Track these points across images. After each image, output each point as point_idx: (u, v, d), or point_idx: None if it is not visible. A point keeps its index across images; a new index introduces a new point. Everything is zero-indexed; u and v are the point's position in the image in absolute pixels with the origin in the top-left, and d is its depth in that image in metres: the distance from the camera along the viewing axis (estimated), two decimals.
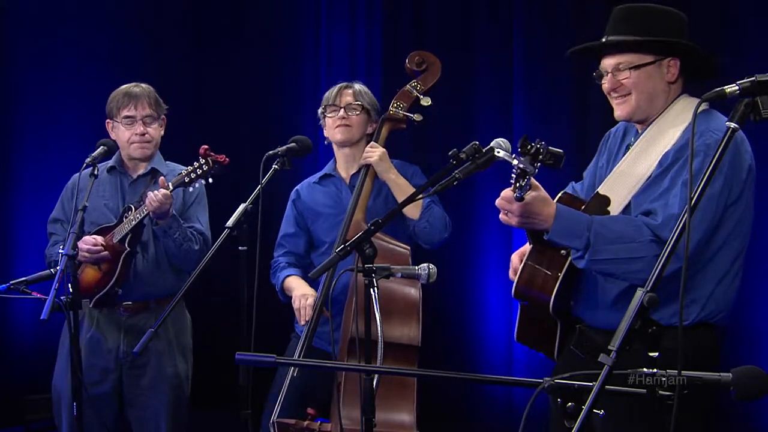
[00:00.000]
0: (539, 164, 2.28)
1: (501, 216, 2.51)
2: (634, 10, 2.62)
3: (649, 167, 2.54)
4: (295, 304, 3.37)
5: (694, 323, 2.50)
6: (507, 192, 2.43)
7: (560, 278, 2.56)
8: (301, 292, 3.38)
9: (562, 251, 2.57)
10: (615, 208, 2.58)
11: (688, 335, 2.46)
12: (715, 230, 2.48)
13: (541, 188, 2.45)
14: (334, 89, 3.57)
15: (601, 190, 2.63)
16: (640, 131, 2.66)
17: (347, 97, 3.53)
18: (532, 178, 2.33)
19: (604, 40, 2.62)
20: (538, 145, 2.27)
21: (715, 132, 2.45)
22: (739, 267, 2.58)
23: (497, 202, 2.48)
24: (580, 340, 2.65)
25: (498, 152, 2.37)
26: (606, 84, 2.63)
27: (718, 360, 2.56)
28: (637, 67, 2.57)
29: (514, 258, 2.80)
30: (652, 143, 2.58)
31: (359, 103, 3.52)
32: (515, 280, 2.65)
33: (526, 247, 2.75)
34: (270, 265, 3.65)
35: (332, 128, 3.54)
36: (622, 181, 2.60)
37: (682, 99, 2.61)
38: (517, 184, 2.31)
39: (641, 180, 2.55)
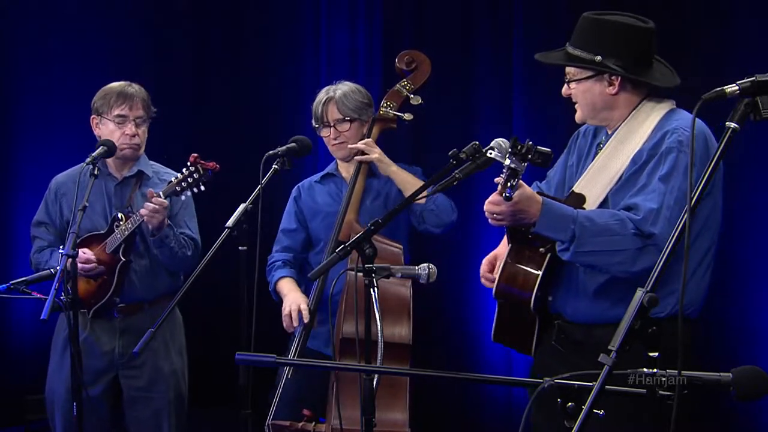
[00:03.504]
0: (527, 164, 2.35)
1: (491, 221, 2.57)
2: (590, 23, 2.67)
3: (622, 165, 2.61)
4: (285, 311, 3.36)
5: (669, 315, 2.53)
6: (494, 196, 2.50)
7: (540, 275, 2.62)
8: (291, 299, 3.37)
9: (541, 249, 2.63)
10: (591, 205, 2.63)
11: (667, 326, 2.47)
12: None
13: (525, 185, 2.50)
14: (319, 105, 3.54)
15: (576, 188, 2.69)
16: (609, 132, 2.73)
17: (333, 114, 3.51)
18: None
19: (566, 47, 2.71)
20: (528, 145, 2.33)
21: (686, 129, 2.54)
22: (711, 259, 2.64)
23: (486, 207, 2.54)
24: (560, 335, 2.70)
25: (490, 153, 2.42)
26: (563, 89, 2.76)
27: (691, 353, 2.56)
28: (577, 81, 2.69)
29: (484, 265, 2.89)
30: (623, 142, 2.65)
31: (347, 117, 3.50)
32: (496, 280, 2.71)
33: (497, 252, 2.87)
34: (266, 260, 3.65)
35: (329, 145, 3.56)
36: (597, 179, 2.66)
37: (647, 103, 2.68)
38: (508, 184, 2.36)
39: (615, 177, 2.62)
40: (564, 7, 4.43)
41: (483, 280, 2.87)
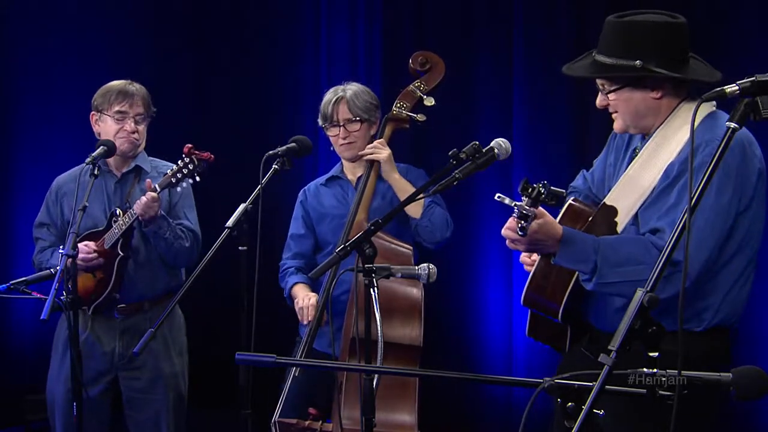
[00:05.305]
0: (540, 204, 2.32)
1: (508, 244, 2.50)
2: (617, 27, 2.53)
3: (654, 177, 2.51)
4: (298, 305, 3.39)
5: (708, 328, 2.49)
6: (512, 223, 2.42)
7: (570, 287, 2.55)
8: (303, 295, 3.41)
9: None
10: (622, 219, 2.56)
11: (702, 339, 2.46)
12: (728, 239, 2.46)
13: (546, 214, 2.43)
14: (329, 103, 3.51)
15: (608, 200, 2.61)
16: (645, 137, 2.63)
17: (344, 114, 3.48)
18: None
19: (593, 55, 2.59)
20: (540, 188, 2.28)
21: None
22: (752, 270, 2.56)
23: (503, 232, 2.48)
24: (591, 343, 2.64)
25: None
26: (597, 100, 2.63)
27: (730, 359, 2.55)
28: (616, 90, 2.55)
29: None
30: (657, 151, 2.54)
31: (357, 118, 3.49)
32: (524, 289, 2.64)
33: None
34: (275, 266, 3.65)
35: (336, 145, 3.54)
36: (628, 190, 2.57)
37: (685, 105, 2.55)
38: (519, 225, 2.33)
39: (647, 190, 2.52)
40: (564, 7, 4.43)
41: (523, 260, 2.75)
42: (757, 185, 2.48)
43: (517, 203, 2.29)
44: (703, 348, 2.40)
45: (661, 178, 2.49)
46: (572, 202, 2.68)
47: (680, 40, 2.53)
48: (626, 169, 2.63)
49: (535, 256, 2.67)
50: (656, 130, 2.57)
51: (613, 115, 2.62)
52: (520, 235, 2.35)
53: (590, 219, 2.59)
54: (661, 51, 2.47)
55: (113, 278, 3.53)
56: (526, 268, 2.73)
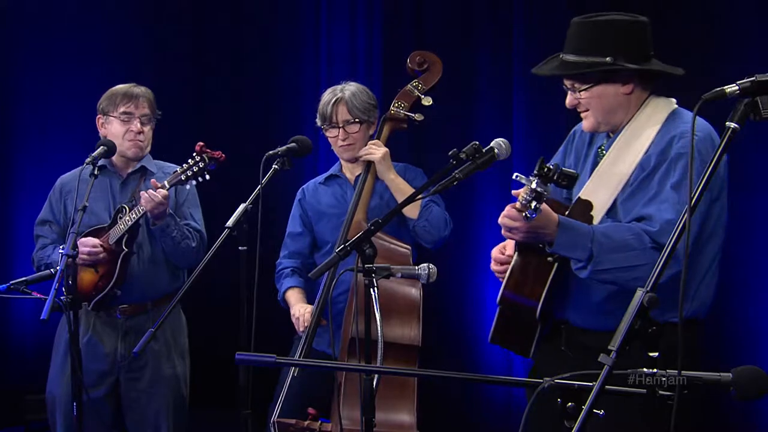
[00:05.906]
0: (552, 184, 2.34)
1: (504, 232, 2.52)
2: (584, 27, 2.61)
3: (628, 169, 2.56)
4: (294, 315, 3.41)
5: (684, 320, 2.51)
6: (511, 210, 2.45)
7: (548, 284, 2.57)
8: (299, 307, 3.42)
9: (549, 258, 2.57)
10: (598, 212, 2.59)
11: (674, 332, 2.47)
12: (702, 226, 2.53)
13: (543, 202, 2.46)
14: (328, 104, 3.48)
15: (583, 194, 2.64)
16: (612, 135, 2.67)
17: (343, 115, 3.47)
18: None
19: (560, 56, 2.65)
20: (554, 168, 2.32)
21: (695, 132, 2.47)
22: (719, 260, 2.62)
23: (501, 221, 2.50)
24: (569, 340, 2.67)
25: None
26: (567, 100, 2.68)
27: (699, 356, 2.58)
28: (587, 88, 2.60)
29: (495, 252, 2.80)
30: (628, 145, 2.60)
31: (356, 120, 3.48)
32: (501, 288, 2.65)
33: (506, 243, 2.78)
34: (275, 266, 3.65)
35: (335, 146, 3.53)
36: (603, 184, 2.61)
37: (651, 101, 2.63)
38: (531, 206, 2.33)
39: (621, 182, 2.57)
40: (564, 8, 4.43)
41: (493, 264, 2.79)
42: (723, 175, 2.57)
43: (536, 181, 2.30)
44: (676, 340, 2.41)
45: (637, 171, 2.55)
46: (548, 199, 2.70)
47: (645, 37, 2.60)
48: (592, 167, 2.69)
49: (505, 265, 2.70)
50: (625, 125, 2.63)
51: (583, 114, 2.67)
52: (530, 217, 2.35)
53: (567, 213, 2.61)
54: (629, 48, 2.55)
55: (116, 273, 3.53)
56: (498, 276, 2.75)
